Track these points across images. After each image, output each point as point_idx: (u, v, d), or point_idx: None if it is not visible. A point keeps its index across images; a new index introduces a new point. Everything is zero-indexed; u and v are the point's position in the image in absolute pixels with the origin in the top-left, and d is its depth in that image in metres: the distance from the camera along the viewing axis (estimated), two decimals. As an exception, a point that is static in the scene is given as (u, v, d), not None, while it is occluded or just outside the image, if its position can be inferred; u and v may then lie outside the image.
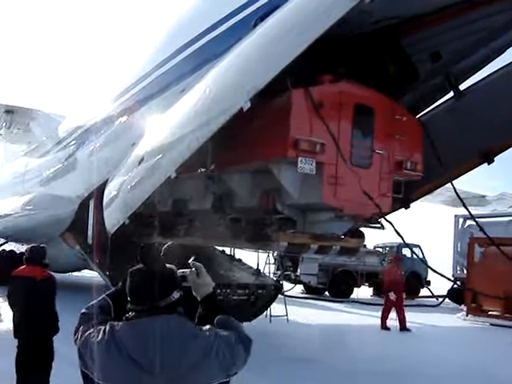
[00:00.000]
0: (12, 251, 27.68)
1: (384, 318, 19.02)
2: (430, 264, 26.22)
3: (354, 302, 26.79)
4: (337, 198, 9.83)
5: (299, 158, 9.21)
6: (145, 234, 14.13)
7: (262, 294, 16.18)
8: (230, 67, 9.38)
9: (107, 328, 3.03)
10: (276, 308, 17.68)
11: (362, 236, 11.79)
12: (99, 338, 3.00)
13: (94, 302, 3.56)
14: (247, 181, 11.06)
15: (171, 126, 10.11)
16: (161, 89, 12.53)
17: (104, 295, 3.59)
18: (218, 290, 15.30)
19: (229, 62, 9.41)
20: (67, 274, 26.08)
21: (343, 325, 19.30)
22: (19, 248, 24.33)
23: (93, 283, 16.16)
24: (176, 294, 3.15)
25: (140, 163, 10.57)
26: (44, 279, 8.10)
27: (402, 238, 11.06)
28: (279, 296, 17.42)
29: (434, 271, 11.53)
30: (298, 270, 28.81)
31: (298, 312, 20.05)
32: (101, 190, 13.02)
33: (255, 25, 9.50)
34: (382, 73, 11.00)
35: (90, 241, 15.23)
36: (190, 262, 3.58)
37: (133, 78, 14.61)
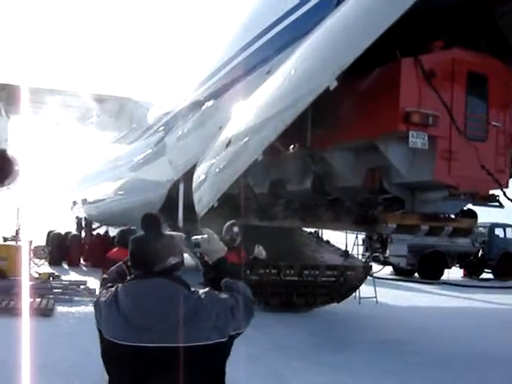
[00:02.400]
0: (105, 235, 28.66)
1: None
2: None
3: (445, 283, 26.22)
4: (451, 174, 9.18)
5: (410, 132, 8.66)
6: (241, 217, 14.00)
7: (351, 276, 16.12)
8: (315, 47, 9.27)
9: (114, 289, 3.33)
10: (365, 290, 17.57)
11: (474, 216, 11.20)
12: (106, 297, 3.32)
13: (113, 268, 4.06)
14: (350, 159, 10.60)
15: (257, 108, 10.15)
16: (246, 71, 12.56)
17: (121, 262, 4.00)
18: (306, 271, 15.36)
19: (313, 41, 9.32)
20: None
21: (433, 307, 18.95)
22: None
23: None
24: (173, 260, 3.34)
25: (227, 146, 10.67)
26: None
27: None
28: (368, 277, 17.31)
29: None
30: (387, 252, 28.44)
31: (387, 294, 19.88)
32: (190, 173, 13.24)
33: (338, 3, 9.34)
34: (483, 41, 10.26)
35: (180, 223, 15.56)
36: (203, 229, 3.82)
37: (218, 61, 14.76)
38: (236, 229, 8.77)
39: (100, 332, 3.34)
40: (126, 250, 8.80)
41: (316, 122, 9.66)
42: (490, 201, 10.53)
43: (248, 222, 13.86)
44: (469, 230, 11.52)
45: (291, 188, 12.40)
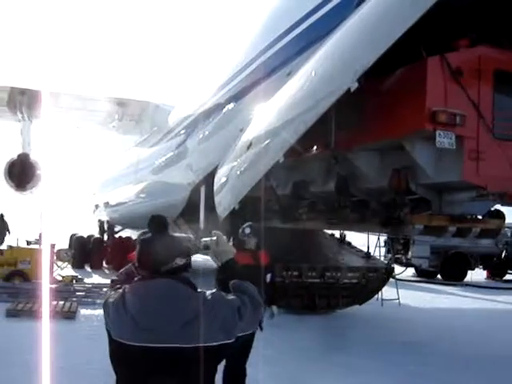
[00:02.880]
0: (127, 238, 28.80)
1: None
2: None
3: (468, 285, 26.01)
4: (479, 174, 8.94)
5: (437, 132, 8.47)
6: (264, 219, 13.90)
7: (373, 278, 16.08)
8: (336, 48, 9.26)
9: (121, 290, 3.35)
10: (387, 291, 17.51)
11: (502, 216, 10.97)
12: (114, 298, 3.34)
13: (122, 269, 4.03)
14: (375, 159, 10.46)
15: (278, 110, 10.15)
16: (267, 73, 12.57)
17: (131, 263, 3.95)
18: (328, 273, 15.32)
19: (334, 42, 9.32)
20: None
21: (456, 309, 18.82)
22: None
23: (205, 266, 16.54)
24: (180, 261, 3.36)
25: (248, 148, 10.69)
26: None
27: None
28: (390, 279, 17.24)
29: None
30: (409, 253, 28.29)
31: (409, 295, 19.77)
32: (211, 176, 13.28)
33: (358, 3, 9.32)
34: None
35: (201, 226, 15.61)
36: (213, 232, 3.84)
37: (238, 64, 14.80)
38: (248, 230, 8.71)
39: (109, 333, 3.38)
40: None
41: (340, 123, 9.55)
42: None
43: (271, 224, 13.83)
44: (496, 231, 11.34)
45: (314, 189, 12.28)
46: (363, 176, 10.69)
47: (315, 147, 10.81)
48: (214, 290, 3.38)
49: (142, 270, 3.41)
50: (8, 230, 29.83)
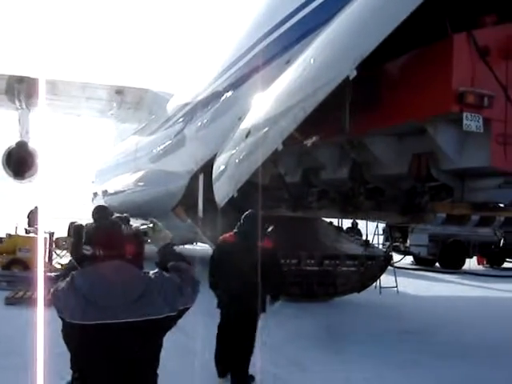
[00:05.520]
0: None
1: None
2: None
3: (466, 273, 26.05)
4: (508, 160, 8.43)
5: (464, 114, 7.97)
6: (273, 207, 13.70)
7: (372, 265, 16.10)
8: (335, 35, 9.16)
9: (69, 277, 3.65)
10: (385, 279, 17.55)
11: None
12: (64, 285, 3.63)
13: (65, 265, 4.61)
14: (393, 144, 9.99)
15: (277, 98, 10.11)
16: (266, 61, 12.52)
17: (71, 258, 4.51)
18: (327, 261, 15.35)
19: (333, 30, 9.24)
20: (180, 247, 27.01)
21: (454, 296, 18.86)
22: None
23: (202, 254, 16.56)
24: (127, 244, 3.87)
25: (247, 136, 10.66)
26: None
27: None
28: (388, 267, 17.27)
29: None
30: (408, 241, 28.32)
31: (407, 283, 19.82)
32: (210, 164, 13.27)
33: None
34: None
35: (200, 214, 15.62)
36: (149, 219, 4.41)
37: (237, 52, 14.74)
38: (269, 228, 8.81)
39: (62, 320, 3.61)
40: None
41: (355, 106, 8.95)
42: None
43: (280, 212, 13.71)
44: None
45: (326, 177, 11.96)
46: (379, 162, 10.26)
47: (327, 132, 10.20)
48: (156, 270, 3.84)
49: (93, 253, 3.70)
50: None
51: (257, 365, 8.25)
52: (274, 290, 8.22)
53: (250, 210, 8.64)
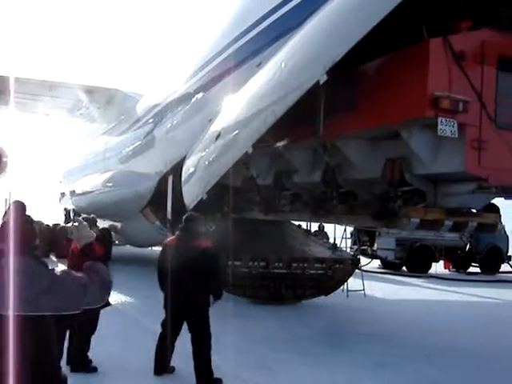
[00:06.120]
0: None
1: None
2: (511, 239, 25.31)
3: (433, 277, 26.32)
4: (481, 165, 8.41)
5: (439, 119, 7.94)
6: (245, 210, 13.65)
7: (339, 269, 16.15)
8: (307, 40, 9.21)
9: None
10: (353, 283, 17.64)
11: (497, 210, 10.44)
12: None
13: None
14: (367, 148, 9.92)
15: (248, 101, 10.11)
16: (237, 64, 12.51)
17: None
18: (295, 264, 15.37)
19: (305, 34, 9.28)
20: (148, 248, 26.85)
21: (421, 300, 19.02)
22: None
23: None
24: (35, 241, 3.99)
25: (217, 139, 10.65)
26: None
27: None
28: (356, 271, 17.36)
29: None
30: (375, 245, 28.52)
31: (374, 287, 19.94)
32: (179, 166, 13.22)
33: None
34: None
35: (169, 216, 15.55)
36: (75, 218, 4.53)
37: (208, 53, 14.74)
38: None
39: None
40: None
41: (330, 108, 8.92)
42: None
43: (252, 215, 13.65)
44: (493, 226, 10.57)
45: (298, 180, 11.90)
46: (353, 166, 10.19)
47: (301, 134, 10.26)
48: (63, 268, 3.97)
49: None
50: None
51: (223, 368, 8.26)
52: (214, 289, 8.28)
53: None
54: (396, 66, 8.77)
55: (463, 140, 8.31)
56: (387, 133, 9.37)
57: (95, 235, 4.33)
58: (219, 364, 8.15)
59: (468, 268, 30.20)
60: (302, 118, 9.03)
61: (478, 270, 30.04)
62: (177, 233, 8.45)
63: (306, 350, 10.54)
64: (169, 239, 8.72)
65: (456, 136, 8.10)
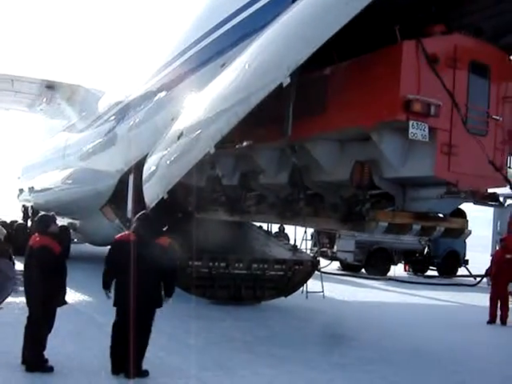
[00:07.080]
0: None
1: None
2: (468, 243, 25.65)
3: (391, 279, 26.64)
4: (451, 170, 8.42)
5: (410, 122, 7.87)
6: (210, 210, 13.50)
7: (299, 270, 16.19)
8: (271, 42, 9.21)
9: None
10: (312, 284, 17.70)
11: (465, 216, 10.28)
12: None
13: None
14: (336, 150, 9.86)
15: (211, 101, 10.08)
16: (201, 63, 12.48)
17: None
18: (255, 265, 15.37)
19: (269, 36, 9.28)
20: (107, 247, 26.55)
21: (379, 302, 19.21)
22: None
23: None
24: None
25: (179, 138, 10.59)
26: (40, 247, 8.20)
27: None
28: (316, 272, 17.44)
29: None
30: (335, 247, 28.71)
31: (334, 288, 20.09)
32: (140, 164, 13.12)
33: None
34: None
35: (129, 214, 15.42)
36: None
37: (172, 52, 14.65)
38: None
39: None
40: (46, 237, 8.72)
41: (299, 109, 8.84)
42: (490, 200, 9.60)
43: (217, 216, 13.47)
44: (461, 231, 10.44)
45: (264, 181, 11.78)
46: (320, 168, 10.11)
47: (268, 135, 10.18)
48: None
49: None
50: None
51: (184, 368, 8.22)
52: (167, 287, 8.26)
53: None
54: (368, 68, 8.75)
55: (434, 144, 8.30)
56: (357, 135, 9.32)
57: (5, 232, 4.38)
58: (179, 365, 8.11)
59: (426, 271, 30.63)
60: (271, 119, 8.98)
61: (435, 273, 30.48)
62: (132, 229, 8.36)
63: (266, 350, 10.55)
64: (120, 235, 8.58)
65: (427, 140, 8.08)
